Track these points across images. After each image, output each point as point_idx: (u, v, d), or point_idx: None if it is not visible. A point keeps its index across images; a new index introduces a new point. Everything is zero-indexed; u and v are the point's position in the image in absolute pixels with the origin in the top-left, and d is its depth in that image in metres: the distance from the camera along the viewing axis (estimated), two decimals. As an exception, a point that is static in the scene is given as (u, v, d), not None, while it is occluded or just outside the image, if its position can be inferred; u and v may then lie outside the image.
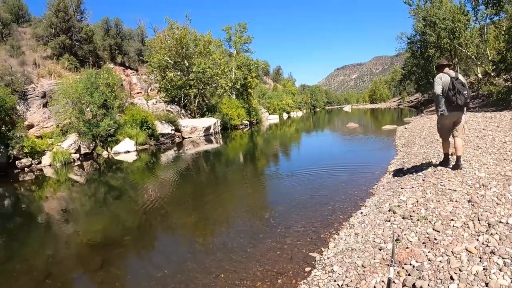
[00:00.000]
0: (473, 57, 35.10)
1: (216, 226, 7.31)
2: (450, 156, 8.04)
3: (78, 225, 8.68)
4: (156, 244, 6.99)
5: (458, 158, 7.48)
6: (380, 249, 4.59)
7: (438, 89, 7.10)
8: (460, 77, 7.12)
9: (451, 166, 7.66)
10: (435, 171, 7.64)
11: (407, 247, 4.33)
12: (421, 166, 8.66)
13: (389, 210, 5.90)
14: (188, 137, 30.67)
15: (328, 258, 4.92)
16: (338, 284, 4.09)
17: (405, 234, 4.71)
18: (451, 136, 7.59)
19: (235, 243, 6.09)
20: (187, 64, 35.70)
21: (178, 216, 8.53)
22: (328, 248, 5.30)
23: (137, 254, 6.48)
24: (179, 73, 36.13)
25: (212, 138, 30.32)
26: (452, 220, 4.72)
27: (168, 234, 7.51)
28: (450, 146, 7.96)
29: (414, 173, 8.17)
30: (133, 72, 40.84)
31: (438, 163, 8.43)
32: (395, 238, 4.69)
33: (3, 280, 5.78)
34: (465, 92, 6.83)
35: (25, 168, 19.10)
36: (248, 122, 44.79)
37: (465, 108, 7.17)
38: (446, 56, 41.27)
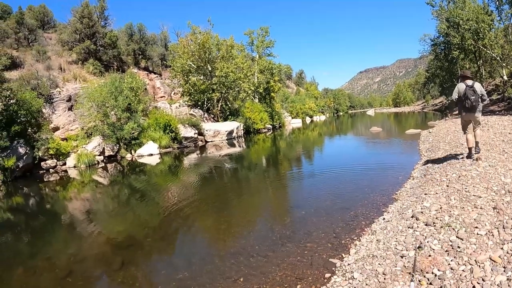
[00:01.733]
0: (498, 58, 34.38)
1: (236, 230, 7.32)
2: (473, 152, 9.49)
3: (100, 226, 8.81)
4: (176, 246, 7.04)
5: (477, 143, 9.53)
6: (402, 257, 4.52)
7: (454, 95, 9.30)
8: (476, 85, 8.90)
9: (475, 159, 9.02)
10: (459, 176, 7.51)
11: (430, 255, 4.25)
12: (445, 172, 8.51)
13: (412, 217, 5.81)
14: (211, 141, 30.78)
15: (348, 264, 4.88)
16: (358, 291, 4.05)
17: (427, 242, 4.62)
18: (472, 131, 9.37)
19: (255, 247, 6.09)
20: (210, 69, 35.90)
21: (199, 219, 8.58)
22: (349, 254, 5.25)
23: (157, 255, 6.54)
24: (202, 77, 36.32)
25: (235, 142, 30.37)
26: (476, 227, 4.62)
27: (188, 236, 7.54)
28: (472, 142, 9.41)
29: (438, 178, 8.02)
30: (157, 77, 41.29)
31: (463, 167, 8.30)
32: (417, 245, 4.62)
33: (26, 277, 5.94)
34: (472, 98, 8.73)
35: (50, 169, 19.57)
36: (271, 126, 44.69)
37: (477, 110, 8.98)
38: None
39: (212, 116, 36.52)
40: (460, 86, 9.06)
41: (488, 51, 34.23)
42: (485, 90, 37.26)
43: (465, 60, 42.53)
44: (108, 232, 8.11)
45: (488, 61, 40.51)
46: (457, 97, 9.16)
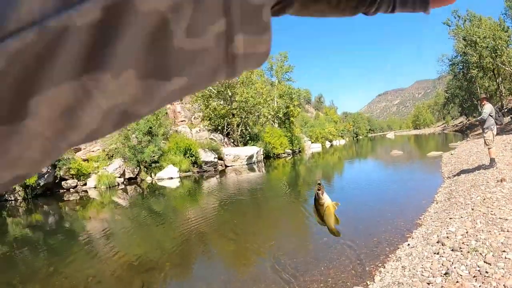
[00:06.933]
0: (517, 74, 34.28)
1: (257, 256, 7.21)
2: (494, 162, 11.06)
3: (119, 247, 8.80)
4: (196, 271, 6.96)
5: (493, 159, 11.10)
6: (428, 283, 4.38)
7: (486, 114, 10.57)
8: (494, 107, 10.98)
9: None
10: (484, 199, 7.33)
11: (457, 281, 4.12)
12: (469, 194, 8.32)
13: (437, 242, 5.65)
14: (231, 165, 30.84)
15: (373, 291, 4.76)
16: (382, 318, 3.94)
17: (454, 268, 4.48)
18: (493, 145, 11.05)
19: (277, 274, 5.96)
20: (230, 94, 36.26)
21: (219, 244, 8.51)
22: (374, 282, 5.11)
23: (177, 280, 6.49)
24: (222, 102, 36.71)
25: (255, 166, 30.33)
26: (504, 251, 4.47)
27: (208, 261, 7.46)
28: (495, 153, 11.35)
29: (463, 201, 7.84)
30: (177, 101, 41.79)
31: (487, 190, 8.11)
32: (444, 272, 4.50)
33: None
34: (499, 116, 10.98)
35: (71, 189, 20.03)
36: (290, 151, 44.70)
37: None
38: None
39: (232, 140, 36.73)
40: (491, 106, 10.76)
41: (507, 68, 34.06)
42: (506, 108, 37.54)
43: (484, 79, 42.48)
44: (127, 254, 8.08)
45: (508, 78, 40.37)
46: (492, 114, 10.68)
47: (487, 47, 32.48)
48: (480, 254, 4.61)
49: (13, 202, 16.82)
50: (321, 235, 8.10)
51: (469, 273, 4.24)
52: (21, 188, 17.14)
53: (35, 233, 11.51)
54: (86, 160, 23.07)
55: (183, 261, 7.43)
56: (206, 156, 28.17)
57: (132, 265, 7.23)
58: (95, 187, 20.58)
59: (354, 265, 5.93)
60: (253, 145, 35.76)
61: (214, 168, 28.44)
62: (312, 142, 62.52)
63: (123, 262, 7.47)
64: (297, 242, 7.95)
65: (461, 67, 42.46)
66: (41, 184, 18.21)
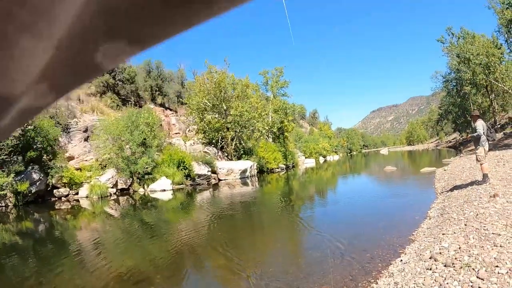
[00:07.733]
0: (510, 91, 34.54)
1: (249, 271, 7.12)
2: (487, 178, 11.05)
3: (109, 258, 8.71)
4: (187, 285, 6.88)
5: (486, 175, 11.11)
6: (420, 299, 4.37)
7: (480, 131, 10.59)
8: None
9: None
10: (477, 214, 7.34)
11: (450, 297, 4.10)
12: (462, 210, 8.32)
13: (430, 258, 5.63)
14: (224, 179, 30.73)
15: (365, 307, 4.73)
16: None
17: (447, 283, 4.46)
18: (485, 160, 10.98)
19: (268, 288, 5.93)
20: (225, 107, 36.26)
21: (210, 258, 8.42)
22: (366, 298, 5.09)
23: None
24: (217, 115, 36.69)
25: (248, 181, 30.22)
26: (497, 266, 4.47)
27: (200, 276, 7.40)
28: (488, 169, 11.35)
29: (456, 217, 7.84)
30: (172, 113, 41.83)
31: (480, 205, 8.12)
32: (436, 287, 4.47)
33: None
34: (491, 132, 10.74)
35: (62, 197, 20.06)
36: (284, 166, 44.58)
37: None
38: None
39: (226, 154, 36.66)
40: (483, 123, 10.72)
41: (499, 85, 34.49)
42: (499, 124, 38.14)
43: (477, 95, 43.14)
44: (117, 266, 7.98)
45: (500, 95, 41.05)
46: (484, 131, 10.66)
47: (480, 64, 32.90)
48: (473, 269, 4.61)
49: (3, 208, 16.86)
50: (313, 250, 8.07)
51: (461, 288, 4.23)
52: (12, 194, 17.18)
53: (24, 240, 11.43)
54: (79, 169, 23.00)
55: (174, 274, 7.35)
56: (200, 169, 28.08)
57: (122, 277, 7.13)
58: (87, 197, 20.46)
59: (347, 281, 5.89)
60: (247, 159, 35.66)
61: (207, 181, 28.32)
62: (306, 157, 62.48)
63: (113, 274, 7.37)
64: (289, 257, 7.91)
65: (455, 83, 43.11)
66: (33, 191, 18.22)
